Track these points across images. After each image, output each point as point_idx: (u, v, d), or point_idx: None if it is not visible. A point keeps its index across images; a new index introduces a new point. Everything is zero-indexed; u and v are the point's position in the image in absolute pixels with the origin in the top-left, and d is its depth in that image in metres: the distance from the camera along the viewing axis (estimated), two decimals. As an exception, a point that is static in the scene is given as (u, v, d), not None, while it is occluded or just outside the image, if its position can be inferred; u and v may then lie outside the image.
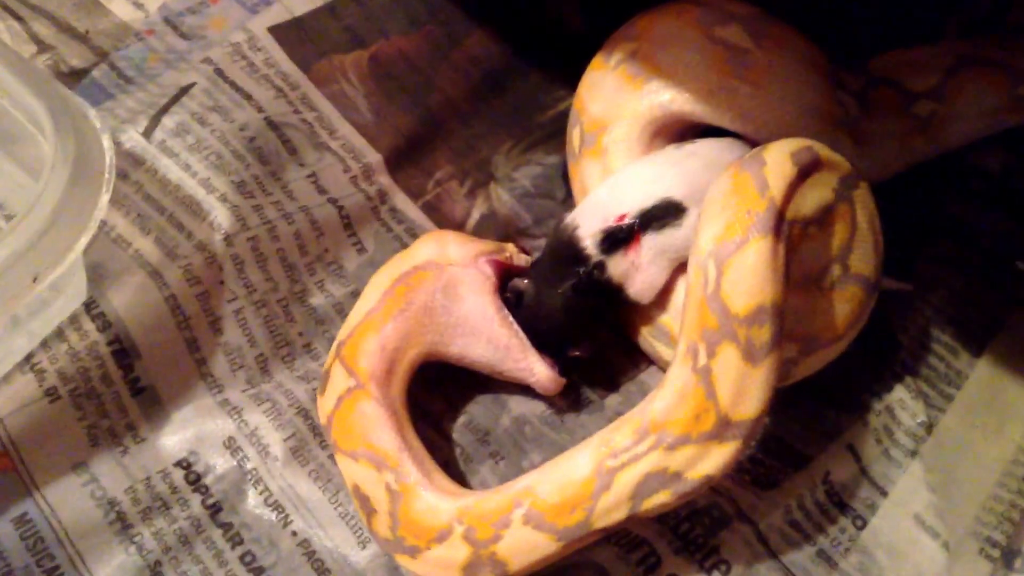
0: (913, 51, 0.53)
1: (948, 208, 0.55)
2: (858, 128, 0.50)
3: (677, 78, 0.48)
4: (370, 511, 0.43)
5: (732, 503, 0.46)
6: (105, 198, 0.40)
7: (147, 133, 0.54)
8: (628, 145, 0.50)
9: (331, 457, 0.46)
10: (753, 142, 0.48)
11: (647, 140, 0.51)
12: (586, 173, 0.52)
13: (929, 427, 0.49)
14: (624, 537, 0.45)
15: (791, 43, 0.49)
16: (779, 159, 0.40)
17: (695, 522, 0.45)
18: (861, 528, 0.47)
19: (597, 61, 0.52)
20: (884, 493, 0.48)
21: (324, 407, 0.45)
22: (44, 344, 0.45)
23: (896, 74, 0.52)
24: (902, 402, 0.50)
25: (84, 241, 0.39)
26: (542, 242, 0.56)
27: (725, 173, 0.41)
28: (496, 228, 0.56)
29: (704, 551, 0.45)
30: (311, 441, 0.47)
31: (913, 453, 0.48)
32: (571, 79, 0.54)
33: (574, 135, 0.53)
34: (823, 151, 0.42)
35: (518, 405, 0.49)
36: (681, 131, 0.51)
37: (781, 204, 0.39)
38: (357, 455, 0.43)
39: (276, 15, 0.60)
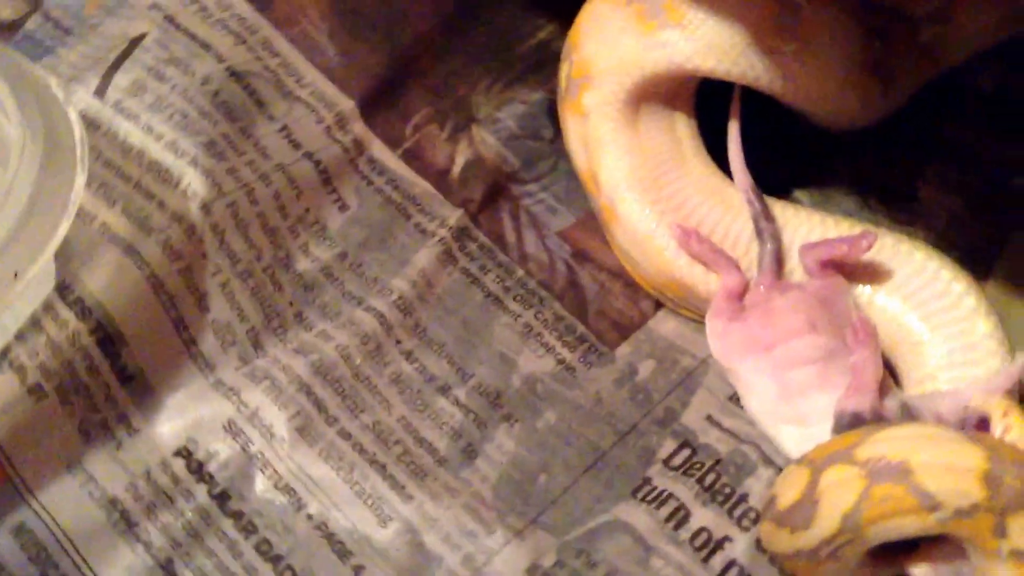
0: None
1: (945, 131, 0.54)
2: (884, 68, 0.47)
3: (706, 30, 0.43)
4: None
5: (755, 448, 0.45)
6: (81, 179, 0.36)
7: (99, 92, 0.49)
8: (613, 111, 0.45)
9: (340, 433, 0.44)
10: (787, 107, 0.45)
11: (634, 105, 0.45)
12: (568, 130, 0.48)
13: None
14: (651, 492, 0.44)
15: None
16: None
17: (720, 472, 0.44)
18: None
19: None
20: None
21: None
22: (20, 337, 0.42)
23: (899, 3, 0.49)
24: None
25: (64, 228, 0.35)
26: (531, 187, 0.54)
27: None
28: (483, 175, 0.53)
29: (732, 500, 0.44)
30: (317, 418, 0.44)
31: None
32: (551, 2, 0.50)
33: (562, 72, 0.49)
34: None
35: (527, 363, 0.47)
36: (673, 99, 0.46)
37: None
38: None
39: (224, -49, 0.55)
